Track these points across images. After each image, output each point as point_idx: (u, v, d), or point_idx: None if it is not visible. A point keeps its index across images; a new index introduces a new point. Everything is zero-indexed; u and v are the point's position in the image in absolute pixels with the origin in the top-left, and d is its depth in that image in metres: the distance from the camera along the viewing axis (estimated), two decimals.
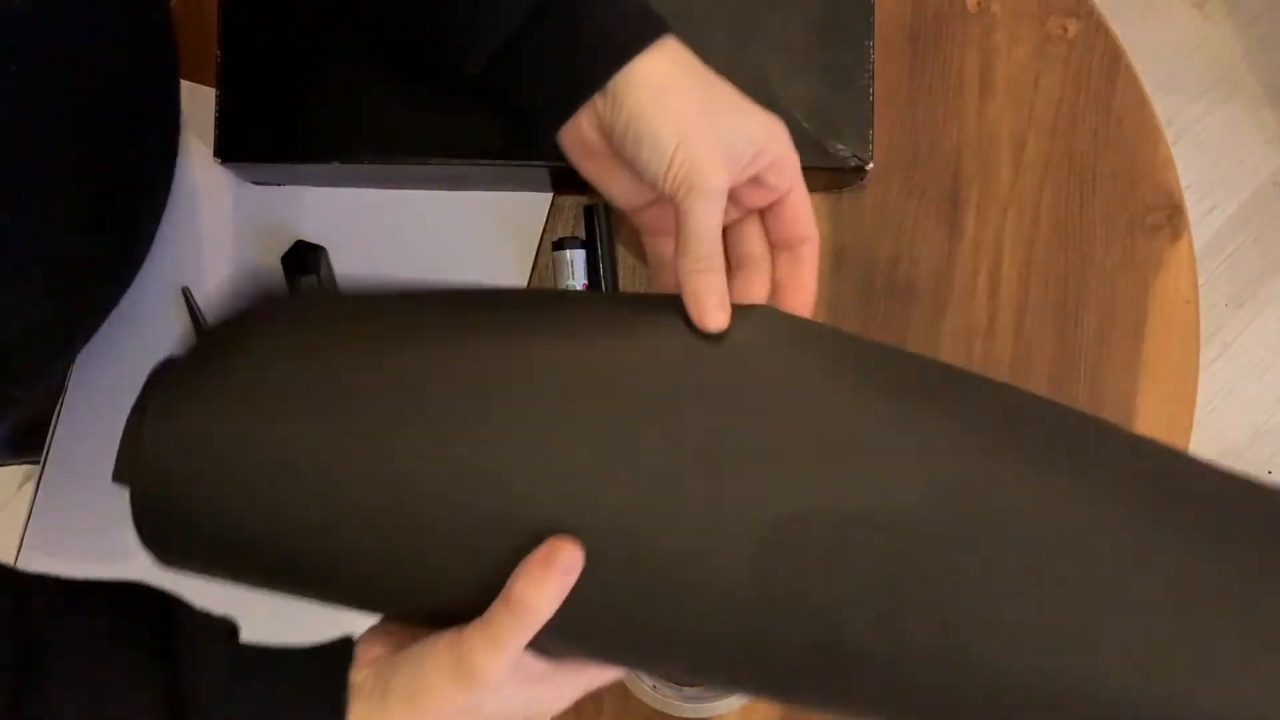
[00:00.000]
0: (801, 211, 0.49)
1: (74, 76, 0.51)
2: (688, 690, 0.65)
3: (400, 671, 0.43)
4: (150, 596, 0.44)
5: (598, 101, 0.47)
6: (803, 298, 0.50)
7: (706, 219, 0.46)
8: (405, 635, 0.44)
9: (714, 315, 0.46)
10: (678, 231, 0.47)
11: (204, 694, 0.41)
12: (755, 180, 0.48)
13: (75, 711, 0.40)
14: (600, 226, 0.68)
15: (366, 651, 0.44)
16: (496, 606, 0.42)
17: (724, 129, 0.47)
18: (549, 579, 0.41)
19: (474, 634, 0.42)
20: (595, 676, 0.46)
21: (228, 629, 0.44)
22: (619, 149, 0.48)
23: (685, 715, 0.64)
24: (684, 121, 0.46)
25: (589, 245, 0.68)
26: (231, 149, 0.62)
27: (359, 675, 0.43)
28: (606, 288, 0.67)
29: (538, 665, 0.44)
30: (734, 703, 0.64)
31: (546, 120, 0.49)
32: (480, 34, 0.48)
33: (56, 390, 0.68)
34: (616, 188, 0.50)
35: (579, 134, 0.49)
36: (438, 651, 0.43)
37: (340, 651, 0.44)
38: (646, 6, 0.48)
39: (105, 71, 0.54)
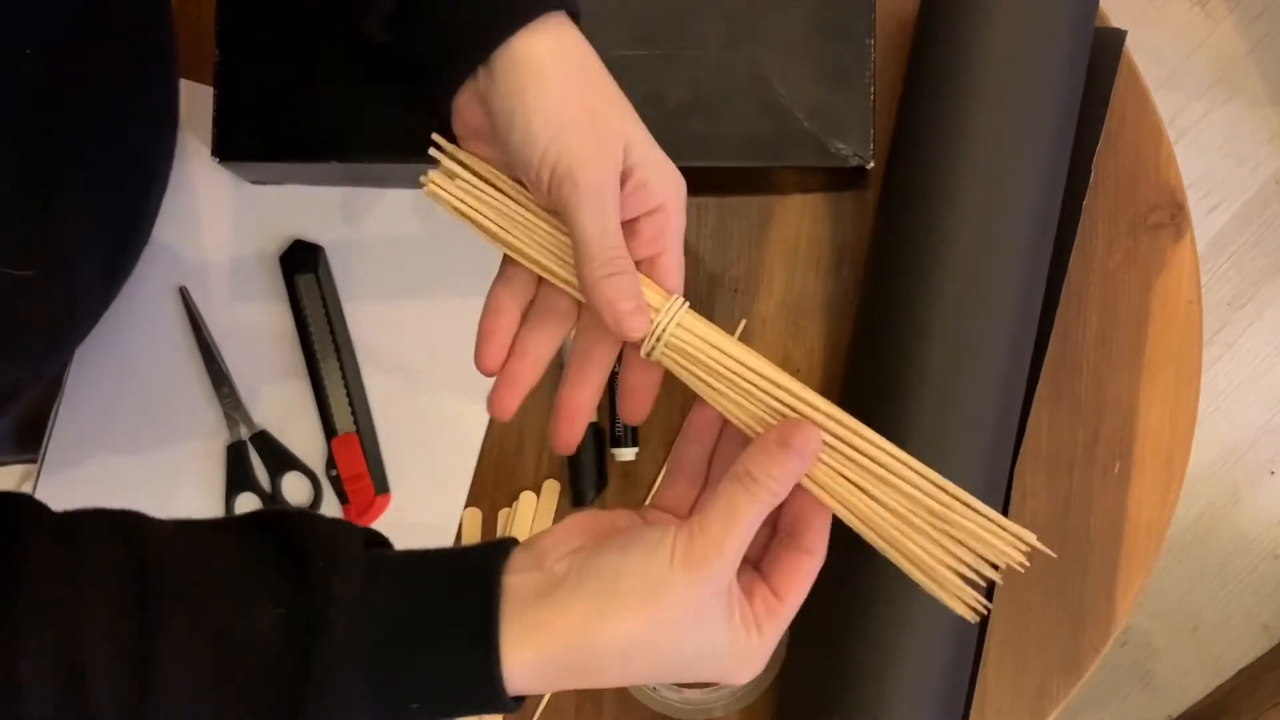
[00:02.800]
0: (668, 278, 0.46)
1: (79, 65, 0.51)
2: (688, 691, 0.65)
3: (628, 568, 0.40)
4: (275, 517, 0.42)
5: (481, 75, 0.44)
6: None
7: (598, 218, 0.43)
8: (601, 532, 0.43)
9: (632, 322, 0.44)
10: (572, 238, 0.44)
11: (336, 593, 0.39)
12: (635, 225, 0.45)
13: (196, 655, 0.39)
14: None
15: (561, 540, 0.42)
16: (727, 482, 0.41)
17: (609, 131, 0.44)
18: (786, 459, 0.41)
19: (703, 511, 0.41)
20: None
21: (367, 536, 0.42)
22: (494, 124, 0.45)
23: (685, 716, 0.64)
24: (560, 112, 0.43)
25: None
26: (230, 148, 0.62)
27: (562, 562, 0.41)
28: None
29: (757, 606, 0.43)
30: (734, 703, 0.64)
31: (438, 90, 0.46)
32: None
33: (54, 388, 0.68)
34: (505, 173, 0.47)
35: (462, 109, 0.46)
36: (660, 533, 0.41)
37: (497, 550, 0.42)
38: None
39: (109, 61, 0.54)
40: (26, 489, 0.68)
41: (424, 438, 0.67)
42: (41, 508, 0.42)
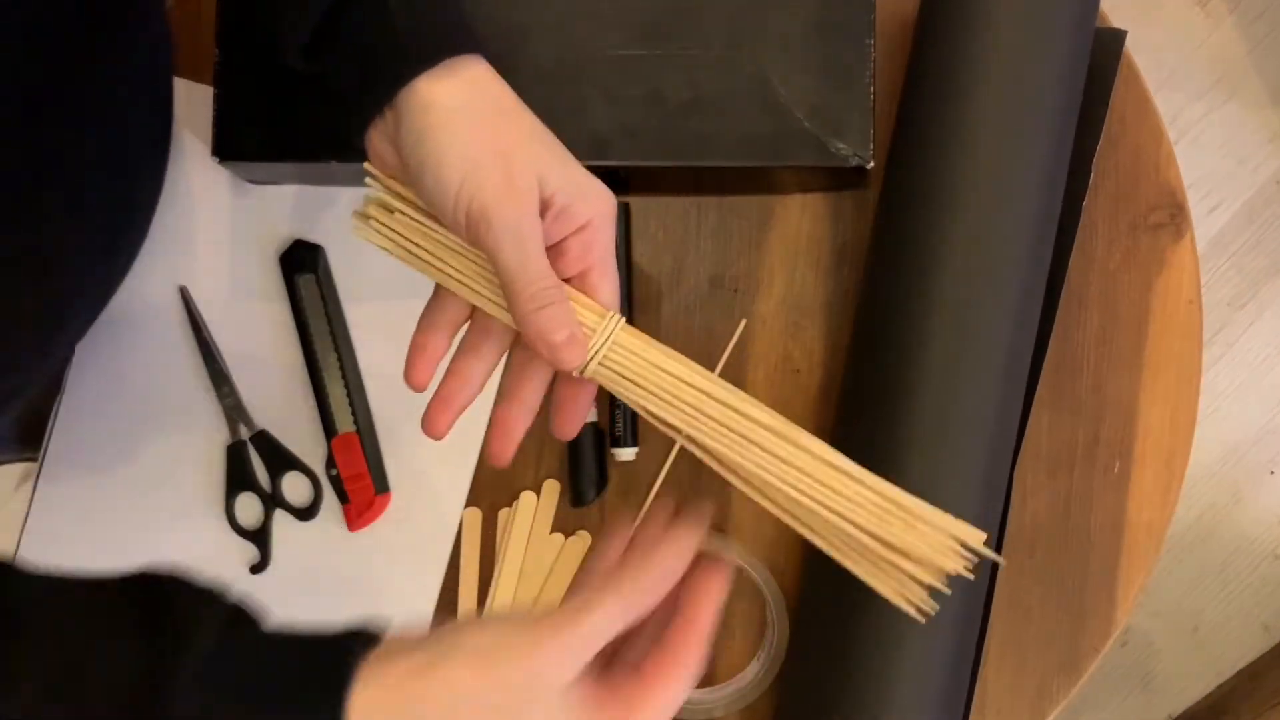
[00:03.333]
0: (599, 293, 0.46)
1: (65, 59, 0.51)
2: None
3: (475, 629, 0.40)
4: (148, 577, 0.42)
5: (388, 117, 0.45)
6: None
7: (517, 253, 0.43)
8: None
9: (566, 353, 0.44)
10: (498, 275, 0.44)
11: (187, 651, 0.38)
12: (561, 247, 0.46)
13: (44, 683, 0.38)
14: (617, 229, 0.67)
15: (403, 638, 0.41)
16: (602, 576, 0.41)
17: (521, 166, 0.44)
18: (651, 579, 0.41)
19: (578, 599, 0.40)
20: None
21: (233, 603, 0.41)
22: (407, 171, 0.45)
23: (685, 716, 0.64)
24: (469, 154, 0.43)
25: None
26: (229, 148, 0.62)
27: (406, 638, 0.40)
28: (621, 286, 0.66)
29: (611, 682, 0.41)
30: (734, 703, 0.64)
31: (351, 126, 0.47)
32: (286, 22, 0.46)
33: (55, 387, 0.68)
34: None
35: (375, 146, 0.47)
36: (528, 614, 0.40)
37: (359, 629, 0.40)
38: (455, 20, 0.45)
39: (96, 54, 0.54)
40: (27, 488, 0.68)
41: (424, 437, 0.67)
42: None
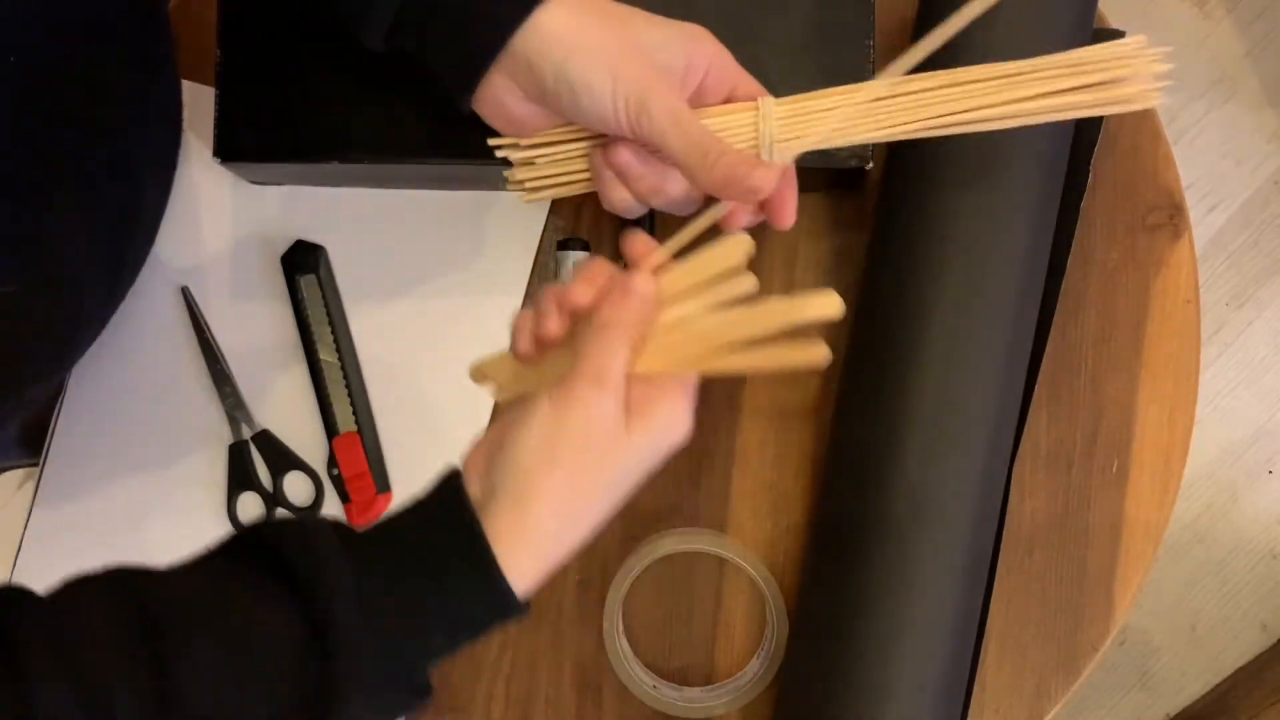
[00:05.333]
0: (744, 92, 0.51)
1: (71, 70, 0.51)
2: (688, 690, 0.65)
3: (502, 452, 0.44)
4: (248, 539, 0.43)
5: (505, 64, 0.48)
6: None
7: (683, 134, 0.47)
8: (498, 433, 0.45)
9: (759, 182, 0.47)
10: (671, 160, 0.48)
11: (336, 603, 0.41)
12: (701, 90, 0.50)
13: (216, 670, 0.40)
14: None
15: (474, 467, 0.45)
16: (590, 334, 0.44)
17: (647, 48, 0.48)
18: (630, 303, 0.44)
19: (572, 369, 0.44)
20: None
21: (330, 526, 0.44)
22: (553, 103, 0.48)
23: (685, 715, 0.64)
24: (609, 59, 0.47)
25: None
26: (231, 149, 0.62)
27: (476, 486, 0.44)
28: None
29: (635, 391, 0.45)
30: (734, 702, 0.64)
31: (457, 90, 0.50)
32: (373, 8, 0.49)
33: (57, 390, 0.68)
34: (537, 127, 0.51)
35: (495, 98, 0.50)
36: (532, 403, 0.44)
37: (453, 490, 0.44)
38: None
39: (103, 67, 0.54)
40: (29, 488, 0.68)
41: (425, 436, 0.67)
42: (26, 590, 0.42)
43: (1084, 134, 0.64)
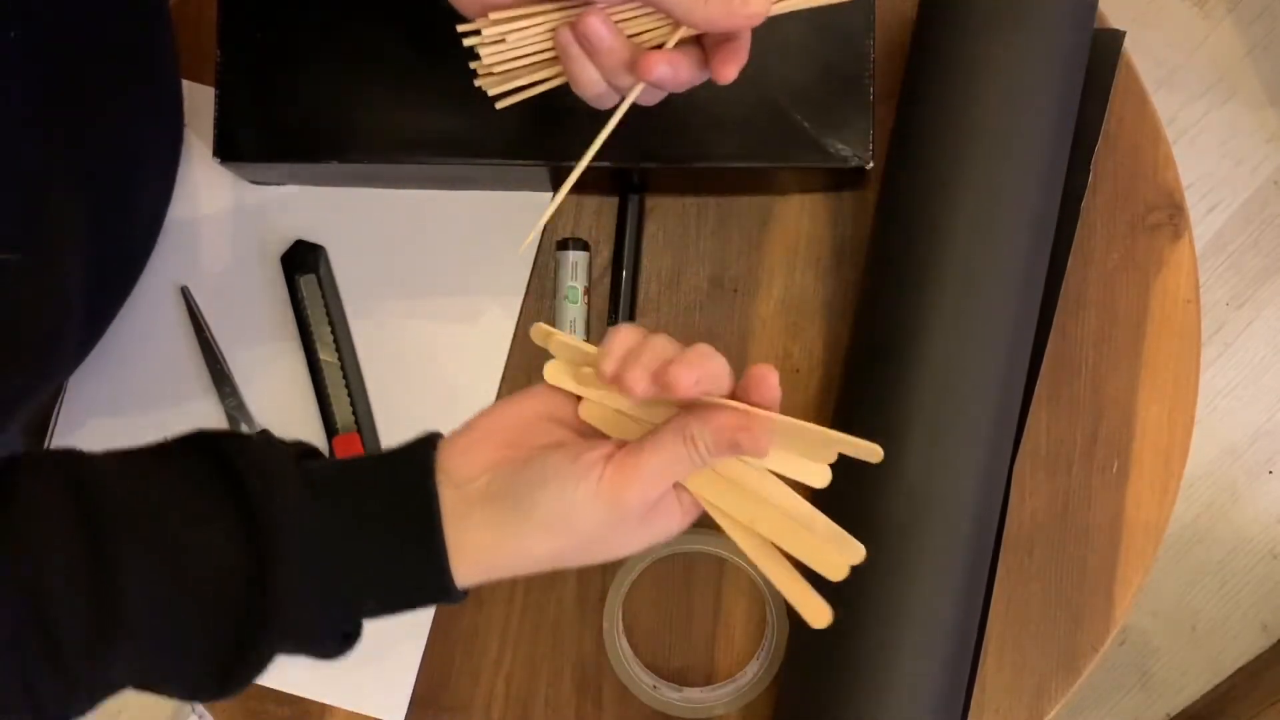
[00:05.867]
0: None
1: (71, 47, 0.51)
2: (688, 690, 0.65)
3: (540, 492, 0.42)
4: (206, 439, 0.43)
5: None
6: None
7: None
8: (517, 440, 0.44)
9: (757, 4, 0.47)
10: (662, 7, 0.46)
11: (283, 538, 0.41)
12: None
13: (152, 566, 0.40)
14: (631, 219, 0.67)
15: (477, 455, 0.44)
16: (670, 433, 0.43)
17: None
18: (729, 446, 0.43)
19: (636, 455, 0.42)
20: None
21: (299, 450, 0.44)
22: None
23: (685, 715, 0.64)
24: None
25: (618, 236, 0.67)
26: (231, 148, 0.62)
27: (479, 480, 0.43)
28: (627, 282, 0.67)
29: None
30: (734, 702, 0.64)
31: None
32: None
33: (57, 389, 0.68)
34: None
35: None
36: (584, 469, 0.42)
37: (423, 455, 0.43)
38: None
39: (102, 48, 0.54)
40: None
41: None
42: None
43: (1084, 134, 0.64)
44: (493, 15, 0.49)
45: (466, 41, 0.49)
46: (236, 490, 0.41)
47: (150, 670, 0.42)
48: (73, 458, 0.43)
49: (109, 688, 0.42)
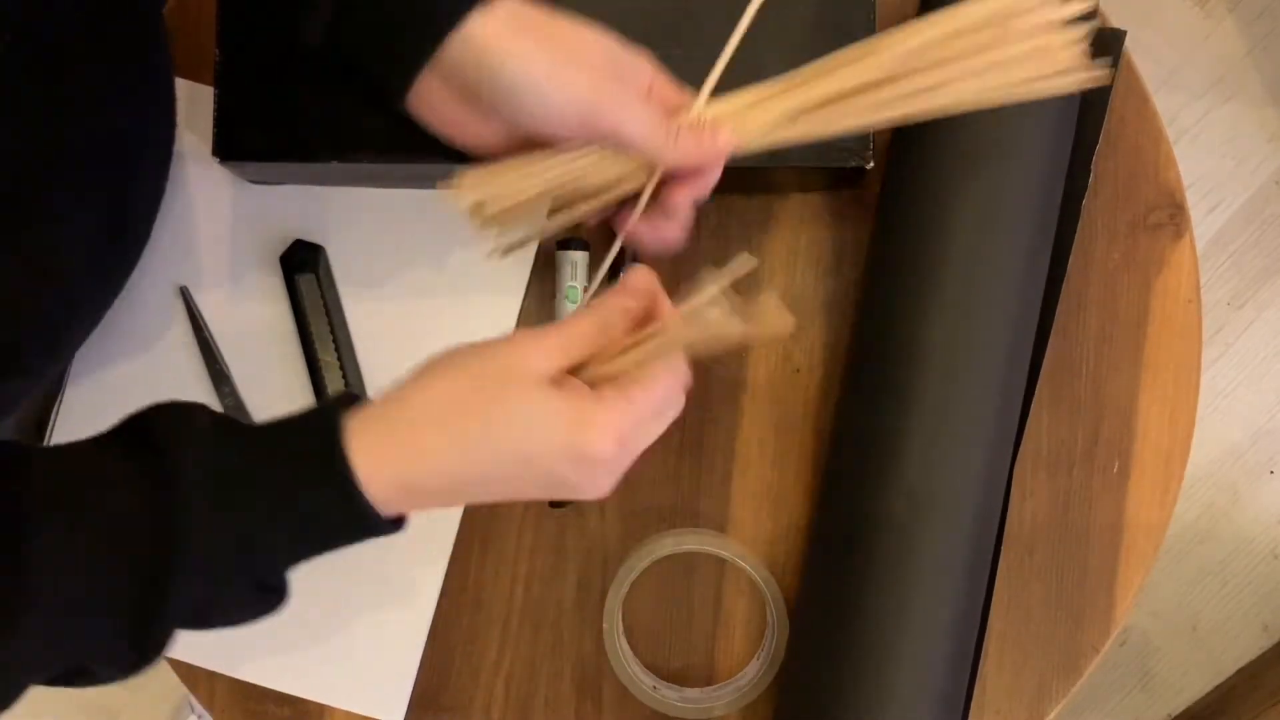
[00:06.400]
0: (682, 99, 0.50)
1: (62, 45, 0.51)
2: (688, 690, 0.65)
3: (449, 351, 0.44)
4: (130, 419, 0.44)
5: (439, 68, 0.48)
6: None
7: (641, 118, 0.48)
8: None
9: (724, 136, 0.49)
10: (632, 149, 0.48)
11: (181, 461, 0.41)
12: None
13: (60, 535, 0.40)
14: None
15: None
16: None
17: (584, 51, 0.48)
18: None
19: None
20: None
21: (207, 414, 0.44)
22: (499, 108, 0.48)
23: (685, 716, 0.64)
24: (547, 60, 0.47)
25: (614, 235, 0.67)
26: (230, 148, 0.62)
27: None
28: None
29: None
30: (734, 703, 0.64)
31: (390, 93, 0.50)
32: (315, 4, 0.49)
33: (55, 388, 0.68)
34: (475, 140, 0.51)
35: (430, 103, 0.50)
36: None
37: (335, 401, 0.44)
38: None
39: (93, 38, 0.54)
40: None
41: None
42: None
43: (1085, 134, 0.63)
44: (475, 174, 0.51)
45: (451, 201, 0.51)
46: (143, 447, 0.42)
47: (62, 641, 0.41)
48: (6, 447, 0.44)
49: (19, 672, 0.41)
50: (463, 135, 0.52)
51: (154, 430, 0.42)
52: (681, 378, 0.46)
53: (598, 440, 0.43)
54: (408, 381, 0.44)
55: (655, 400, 0.45)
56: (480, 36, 0.47)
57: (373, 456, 0.42)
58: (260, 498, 0.42)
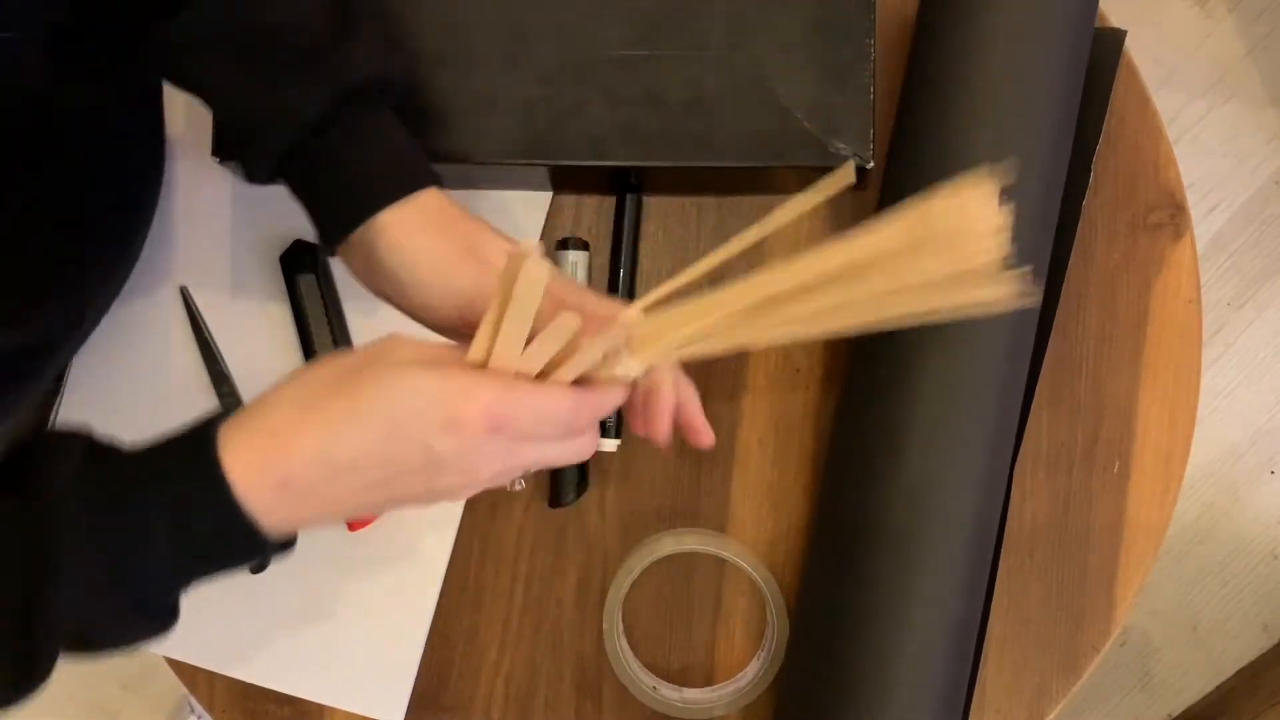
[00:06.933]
0: (603, 310, 0.47)
1: (40, 56, 0.51)
2: (688, 690, 0.65)
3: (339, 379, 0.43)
4: (25, 448, 0.44)
5: (354, 242, 0.50)
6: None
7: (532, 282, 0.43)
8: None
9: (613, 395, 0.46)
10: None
11: (55, 482, 0.41)
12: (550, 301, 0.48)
13: None
14: (629, 218, 0.67)
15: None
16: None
17: (483, 248, 0.49)
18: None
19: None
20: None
21: (85, 440, 0.44)
22: (382, 287, 0.51)
23: (685, 716, 0.64)
24: (440, 251, 0.49)
25: (615, 235, 0.67)
26: (230, 148, 0.62)
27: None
28: (624, 281, 0.67)
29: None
30: (734, 703, 0.64)
31: (323, 244, 0.52)
32: (262, 143, 0.50)
33: (54, 388, 0.68)
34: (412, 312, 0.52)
35: (353, 265, 0.52)
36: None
37: (208, 416, 0.43)
38: (413, 153, 0.52)
39: (76, 55, 0.54)
40: None
41: None
42: None
43: (1085, 134, 0.63)
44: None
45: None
46: (17, 476, 0.42)
47: None
48: None
49: None
50: (397, 301, 0.52)
51: (30, 459, 0.42)
52: (588, 404, 0.43)
53: (467, 404, 0.41)
54: (275, 384, 0.44)
55: (541, 401, 0.42)
56: (386, 224, 0.49)
57: (242, 459, 0.41)
58: (131, 515, 0.41)
